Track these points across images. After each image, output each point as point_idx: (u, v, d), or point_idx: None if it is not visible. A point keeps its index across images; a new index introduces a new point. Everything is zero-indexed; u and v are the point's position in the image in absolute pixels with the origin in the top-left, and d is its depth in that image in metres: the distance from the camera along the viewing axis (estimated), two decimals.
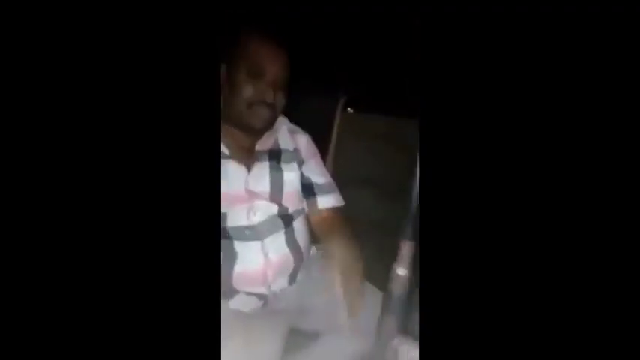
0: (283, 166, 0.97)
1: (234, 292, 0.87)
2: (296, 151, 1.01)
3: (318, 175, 1.03)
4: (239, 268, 0.86)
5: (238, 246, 0.86)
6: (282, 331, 0.86)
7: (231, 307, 0.87)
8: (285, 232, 0.92)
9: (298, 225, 0.97)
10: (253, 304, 0.89)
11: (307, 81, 1.09)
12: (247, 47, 0.89)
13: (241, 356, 0.76)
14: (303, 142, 1.04)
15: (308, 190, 1.01)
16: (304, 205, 1.01)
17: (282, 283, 0.92)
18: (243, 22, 0.92)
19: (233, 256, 0.85)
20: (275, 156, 0.97)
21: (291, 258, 0.92)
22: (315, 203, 1.00)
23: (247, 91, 0.88)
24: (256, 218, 0.89)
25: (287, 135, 1.02)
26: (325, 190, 1.02)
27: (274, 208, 0.92)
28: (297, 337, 0.88)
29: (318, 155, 1.07)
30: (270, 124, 0.94)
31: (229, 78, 0.90)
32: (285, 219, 0.94)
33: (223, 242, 0.85)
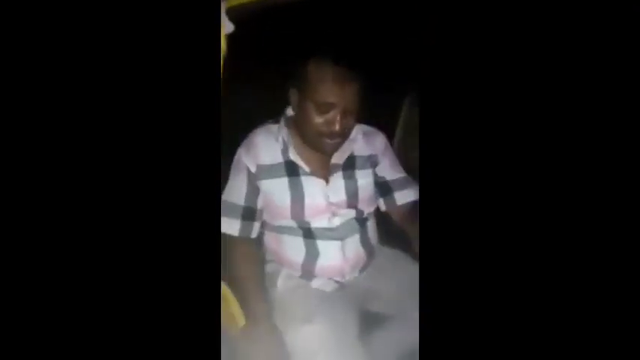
0: (357, 173, 1.03)
1: (315, 276, 0.99)
2: (371, 156, 1.06)
3: (393, 172, 1.09)
4: (321, 263, 0.98)
5: (321, 245, 0.98)
6: (357, 309, 0.97)
7: (313, 286, 0.99)
8: (360, 234, 1.02)
9: (371, 224, 1.07)
10: (331, 286, 1.00)
11: (374, 77, 1.09)
12: (315, 79, 0.89)
13: (326, 328, 0.86)
14: (377, 143, 1.08)
15: (384, 188, 1.08)
16: (380, 203, 1.09)
17: (354, 273, 1.03)
18: (312, 50, 0.92)
19: (316, 253, 0.98)
20: (350, 165, 1.03)
21: (364, 255, 1.03)
22: (393, 200, 1.08)
23: (316, 123, 0.91)
24: (336, 222, 0.99)
25: (362, 142, 1.05)
26: (402, 185, 1.08)
27: (352, 213, 1.01)
28: (367, 318, 0.96)
29: (392, 152, 1.12)
30: (340, 145, 0.98)
31: (299, 104, 0.94)
32: (361, 221, 1.03)
33: (308, 241, 0.98)
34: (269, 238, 1.04)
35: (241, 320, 0.89)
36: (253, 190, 0.98)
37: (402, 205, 1.08)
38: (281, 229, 1.00)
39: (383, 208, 1.10)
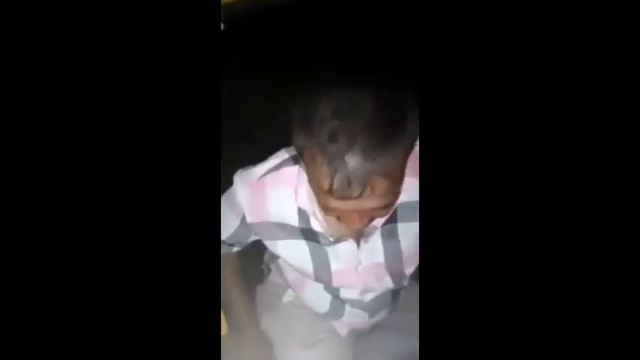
0: (400, 229, 0.74)
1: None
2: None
3: None
4: (344, 320, 0.86)
5: (348, 309, 0.85)
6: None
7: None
8: (392, 304, 0.88)
9: (406, 291, 0.88)
10: (345, 333, 0.90)
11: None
12: (309, 177, 0.57)
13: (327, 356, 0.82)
14: None
15: None
16: None
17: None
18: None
19: (341, 313, 0.85)
20: (391, 218, 0.72)
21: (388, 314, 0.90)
22: None
23: (327, 213, 0.60)
24: (368, 296, 0.83)
25: (412, 180, 0.62)
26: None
27: (389, 283, 0.81)
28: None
29: None
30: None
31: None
32: (396, 292, 0.86)
33: (335, 301, 0.84)
34: (287, 269, 0.86)
35: (224, 328, 0.86)
36: (243, 235, 0.80)
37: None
38: (302, 276, 0.82)
39: None
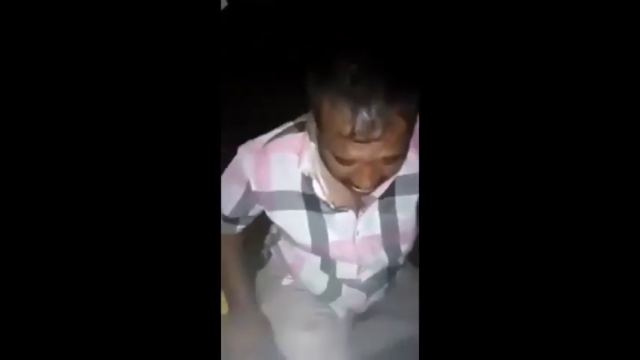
0: (398, 202, 0.77)
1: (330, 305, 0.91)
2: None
3: None
4: (340, 300, 0.89)
5: (345, 289, 0.87)
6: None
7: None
8: (389, 283, 0.91)
9: (403, 271, 0.92)
10: (343, 314, 0.92)
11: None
12: (327, 129, 0.58)
13: (324, 339, 0.84)
14: None
15: None
16: None
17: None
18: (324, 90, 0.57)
19: (338, 293, 0.88)
20: (389, 191, 0.75)
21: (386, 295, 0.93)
22: None
23: (336, 172, 0.63)
24: (365, 275, 0.85)
25: (412, 154, 0.66)
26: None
27: (384, 261, 0.83)
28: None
29: None
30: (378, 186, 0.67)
31: (319, 140, 0.64)
32: (393, 270, 0.88)
33: (332, 280, 0.86)
34: (286, 249, 0.89)
35: (224, 307, 0.88)
36: (245, 207, 0.81)
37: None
38: (301, 254, 0.85)
39: None
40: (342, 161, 0.60)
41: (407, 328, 0.91)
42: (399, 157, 0.61)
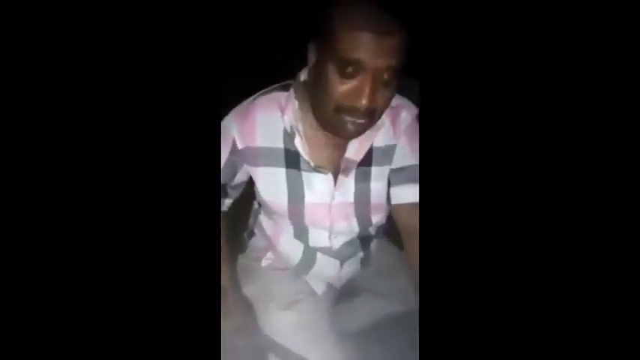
0: (373, 172, 0.80)
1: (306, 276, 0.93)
2: (391, 147, 0.80)
3: (404, 159, 0.81)
4: (315, 270, 0.90)
5: (319, 257, 0.88)
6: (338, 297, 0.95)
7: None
8: (364, 253, 0.91)
9: (377, 242, 0.93)
10: (321, 289, 0.94)
11: None
12: (341, 25, 0.61)
13: (304, 318, 0.85)
14: (401, 123, 0.80)
15: (395, 177, 0.82)
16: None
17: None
18: None
19: (312, 262, 0.89)
20: (366, 160, 0.78)
21: (361, 269, 0.95)
22: (395, 195, 0.82)
23: (335, 91, 0.64)
24: (338, 242, 0.86)
25: (389, 125, 0.77)
26: (405, 178, 0.81)
27: (355, 230, 0.85)
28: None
29: (415, 133, 0.82)
30: (364, 131, 0.70)
31: (317, 64, 0.67)
32: (365, 240, 0.89)
33: (307, 249, 0.87)
34: (265, 221, 0.91)
35: None
36: (232, 168, 0.81)
37: (400, 207, 0.82)
38: (278, 221, 0.86)
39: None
40: (347, 70, 0.61)
41: (390, 305, 0.94)
42: (394, 79, 0.64)
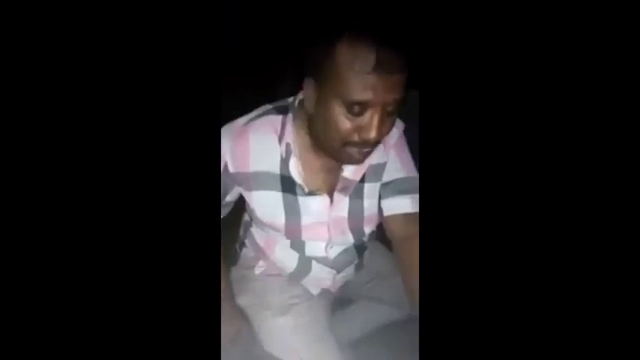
0: (366, 189, 0.82)
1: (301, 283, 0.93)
2: (381, 165, 0.82)
3: (394, 172, 0.83)
4: (310, 277, 0.90)
5: (315, 265, 0.88)
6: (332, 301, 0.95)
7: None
8: (358, 261, 0.93)
9: (370, 250, 0.95)
10: (316, 291, 0.94)
11: None
12: (346, 66, 0.60)
13: (300, 322, 0.85)
14: (392, 140, 0.82)
15: (385, 190, 0.84)
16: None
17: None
18: (342, 27, 0.62)
19: (308, 270, 0.89)
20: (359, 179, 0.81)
21: (355, 274, 0.96)
22: (380, 209, 0.85)
23: (344, 128, 0.64)
24: (333, 252, 0.87)
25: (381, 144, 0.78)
26: (395, 190, 0.83)
27: (350, 239, 0.86)
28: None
29: (404, 147, 0.86)
30: (368, 156, 0.72)
31: (319, 101, 0.66)
32: (360, 248, 0.91)
33: (302, 259, 0.88)
34: (257, 233, 0.90)
35: None
36: (223, 189, 0.80)
37: (390, 218, 0.83)
38: (272, 234, 0.86)
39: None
40: (354, 109, 0.62)
41: (386, 311, 0.95)
42: (398, 108, 0.65)
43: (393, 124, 0.68)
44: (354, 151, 0.67)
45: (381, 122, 0.64)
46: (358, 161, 0.70)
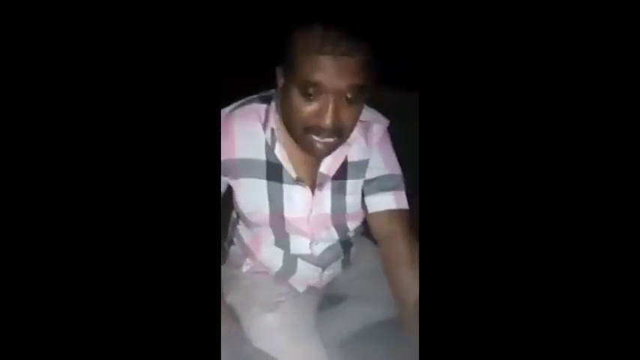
0: (348, 185, 0.82)
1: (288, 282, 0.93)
2: (363, 162, 0.83)
3: (378, 170, 0.84)
4: (296, 276, 0.90)
5: (300, 263, 0.88)
6: (319, 297, 0.95)
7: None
8: (344, 257, 0.93)
9: (355, 247, 0.95)
10: (303, 289, 0.93)
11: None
12: (300, 49, 0.63)
13: (287, 319, 0.85)
14: (373, 137, 0.83)
15: (368, 187, 0.84)
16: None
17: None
18: (302, 16, 0.67)
19: (294, 269, 0.89)
20: (341, 174, 0.81)
21: (342, 270, 0.96)
22: (365, 206, 0.84)
23: (300, 112, 0.66)
24: (318, 249, 0.87)
25: (359, 139, 0.80)
26: (379, 187, 0.83)
27: (334, 236, 0.87)
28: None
29: (388, 145, 0.86)
30: (334, 148, 0.72)
31: (284, 87, 0.69)
32: (345, 244, 0.91)
33: (287, 256, 0.88)
34: (244, 232, 0.91)
35: None
36: None
37: (374, 215, 0.83)
38: (258, 232, 0.86)
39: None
40: (308, 90, 0.64)
41: (378, 311, 0.94)
42: (359, 97, 0.66)
43: (357, 114, 0.69)
44: (314, 139, 0.68)
45: (336, 109, 0.65)
46: (321, 152, 0.71)
